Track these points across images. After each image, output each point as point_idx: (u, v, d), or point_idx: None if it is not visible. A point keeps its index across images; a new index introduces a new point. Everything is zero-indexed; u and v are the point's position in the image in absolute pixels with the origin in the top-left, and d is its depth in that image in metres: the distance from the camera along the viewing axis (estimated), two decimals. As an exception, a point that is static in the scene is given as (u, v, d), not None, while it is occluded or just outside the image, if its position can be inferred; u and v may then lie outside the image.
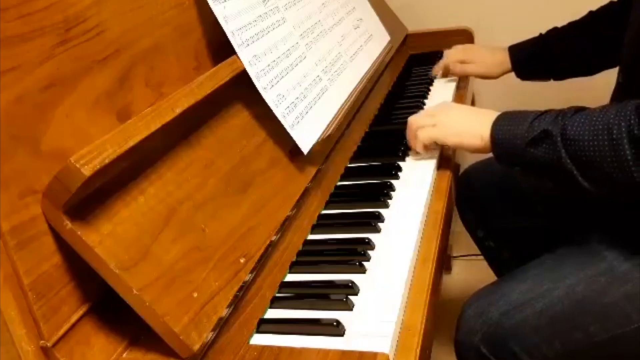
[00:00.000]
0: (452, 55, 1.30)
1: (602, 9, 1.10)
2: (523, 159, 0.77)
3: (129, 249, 0.56)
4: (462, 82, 1.30)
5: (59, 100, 0.58)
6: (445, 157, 0.96)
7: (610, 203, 0.86)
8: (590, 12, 1.12)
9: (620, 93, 0.88)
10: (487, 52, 1.26)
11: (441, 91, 1.25)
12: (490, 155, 0.85)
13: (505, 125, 0.80)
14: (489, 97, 1.57)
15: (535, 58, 1.18)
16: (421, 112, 0.97)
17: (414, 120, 0.93)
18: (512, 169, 0.81)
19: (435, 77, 1.33)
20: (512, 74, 1.25)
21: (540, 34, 1.18)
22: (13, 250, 0.50)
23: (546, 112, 0.77)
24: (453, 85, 1.27)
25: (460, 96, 1.25)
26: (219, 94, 0.73)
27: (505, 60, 1.22)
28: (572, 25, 1.14)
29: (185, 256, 0.60)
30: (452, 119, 0.88)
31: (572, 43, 1.13)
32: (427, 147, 0.92)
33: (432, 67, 1.36)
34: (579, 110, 0.74)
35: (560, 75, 1.19)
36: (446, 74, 1.31)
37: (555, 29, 1.16)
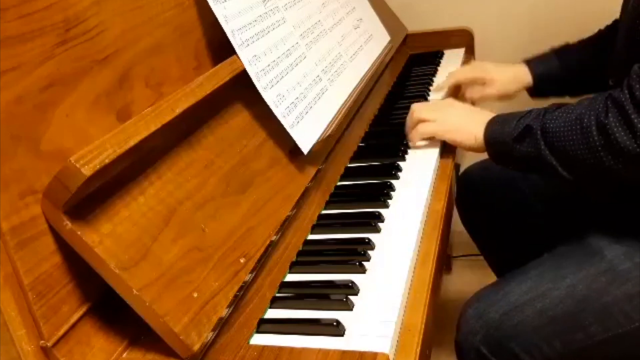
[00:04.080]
0: (462, 75, 1.19)
1: (609, 28, 1.07)
2: (512, 155, 0.82)
3: (129, 249, 0.56)
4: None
5: (59, 100, 0.58)
6: (446, 157, 0.96)
7: (609, 201, 0.86)
8: (600, 32, 1.09)
9: None
10: (500, 70, 1.15)
11: (441, 91, 1.25)
12: (490, 155, 0.87)
13: (497, 126, 0.84)
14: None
15: (554, 76, 1.11)
16: (425, 103, 1.01)
17: (416, 109, 0.97)
18: (507, 168, 0.86)
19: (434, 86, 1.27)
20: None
21: (554, 50, 1.12)
22: (13, 250, 0.50)
23: (532, 110, 0.81)
24: (453, 85, 1.26)
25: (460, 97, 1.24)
26: (219, 94, 0.73)
27: (518, 76, 1.13)
28: (584, 43, 1.10)
29: (185, 256, 0.60)
30: (451, 117, 0.93)
31: (587, 61, 1.07)
32: (423, 140, 0.97)
33: (433, 67, 1.35)
34: (560, 106, 0.78)
35: (576, 92, 1.11)
36: (458, 93, 1.20)
37: (567, 45, 1.12)
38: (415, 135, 0.96)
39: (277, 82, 0.83)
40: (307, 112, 0.87)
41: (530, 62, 1.13)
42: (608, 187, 0.82)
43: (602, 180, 0.75)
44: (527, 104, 0.88)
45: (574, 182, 0.77)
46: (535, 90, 1.14)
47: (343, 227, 0.79)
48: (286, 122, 0.82)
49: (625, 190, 0.81)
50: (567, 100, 1.03)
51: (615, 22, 1.06)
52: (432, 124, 0.94)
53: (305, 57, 0.94)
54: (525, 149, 0.79)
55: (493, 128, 0.85)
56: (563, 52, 1.11)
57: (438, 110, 0.95)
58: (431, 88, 1.27)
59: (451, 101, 0.98)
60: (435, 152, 0.95)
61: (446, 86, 1.19)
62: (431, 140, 0.97)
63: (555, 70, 1.11)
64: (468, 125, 0.89)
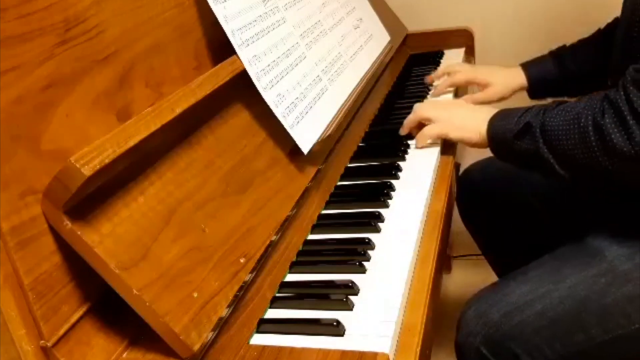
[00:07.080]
0: (460, 77, 1.20)
1: (609, 26, 1.08)
2: (512, 151, 0.82)
3: (129, 249, 0.56)
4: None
5: (59, 100, 0.58)
6: (446, 157, 0.96)
7: (609, 202, 0.86)
8: (599, 30, 1.11)
9: None
10: (497, 73, 1.17)
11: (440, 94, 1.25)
12: (490, 155, 0.87)
13: (499, 122, 0.85)
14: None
15: (550, 77, 1.14)
16: (427, 101, 1.01)
17: (419, 107, 0.99)
18: (508, 163, 0.87)
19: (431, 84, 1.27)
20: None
21: (551, 52, 1.15)
22: (13, 250, 0.50)
23: (533, 107, 0.82)
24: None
25: (461, 96, 1.24)
26: (219, 94, 0.73)
27: (514, 79, 1.16)
28: (583, 42, 1.12)
29: (185, 256, 0.60)
30: (455, 115, 0.94)
31: (586, 60, 1.10)
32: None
33: (433, 67, 1.35)
34: (560, 104, 0.79)
35: (575, 92, 1.12)
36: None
37: (564, 47, 1.14)
38: (422, 138, 0.96)
39: (277, 82, 0.83)
40: (307, 112, 0.87)
41: (526, 66, 1.16)
42: (604, 187, 0.83)
43: (598, 179, 0.76)
44: (528, 101, 0.88)
45: (570, 180, 0.77)
46: (532, 93, 1.18)
47: (343, 227, 0.79)
48: (286, 122, 0.82)
49: (625, 191, 0.81)
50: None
51: (616, 20, 1.06)
52: (437, 125, 0.95)
53: (305, 57, 0.94)
54: (525, 146, 0.80)
55: (495, 123, 0.86)
56: (559, 55, 1.14)
57: (441, 109, 0.96)
58: (431, 89, 1.27)
59: (453, 100, 0.99)
60: (435, 152, 0.95)
61: (443, 88, 1.20)
62: (436, 142, 0.97)
63: (551, 74, 1.14)
64: (472, 122, 0.90)
